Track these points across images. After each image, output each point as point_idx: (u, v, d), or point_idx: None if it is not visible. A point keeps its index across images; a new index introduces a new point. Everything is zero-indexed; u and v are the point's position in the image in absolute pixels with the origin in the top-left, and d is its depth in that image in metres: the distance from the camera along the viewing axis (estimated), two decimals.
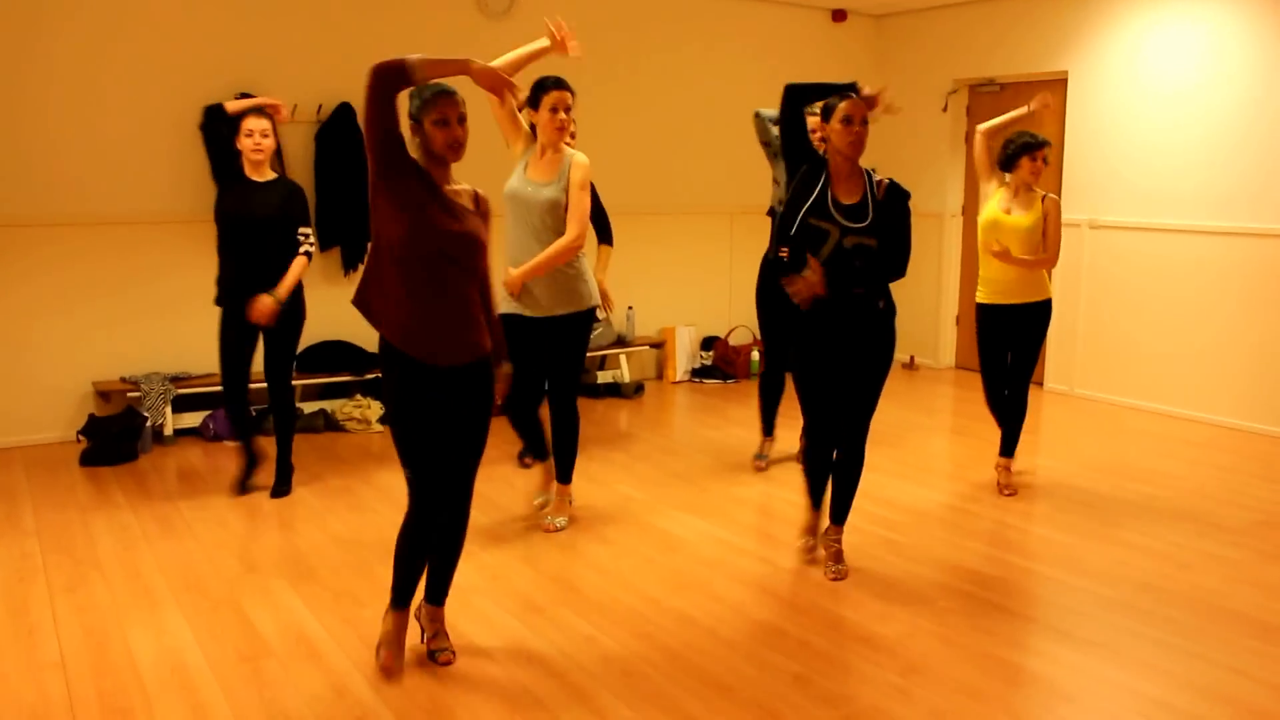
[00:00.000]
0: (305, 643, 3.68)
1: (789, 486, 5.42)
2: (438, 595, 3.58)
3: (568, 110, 4.49)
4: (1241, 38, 6.66)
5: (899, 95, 8.94)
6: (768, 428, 5.88)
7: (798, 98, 4.05)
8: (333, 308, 6.30)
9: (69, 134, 6.16)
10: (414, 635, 3.58)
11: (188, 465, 5.86)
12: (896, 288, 4.25)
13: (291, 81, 6.67)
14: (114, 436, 5.96)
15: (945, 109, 8.61)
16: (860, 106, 3.99)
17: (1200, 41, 6.87)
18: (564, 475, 4.89)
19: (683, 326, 8.28)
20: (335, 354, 6.80)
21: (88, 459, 5.86)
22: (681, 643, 3.70)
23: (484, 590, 4.15)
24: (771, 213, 5.49)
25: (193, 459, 5.98)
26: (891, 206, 4.06)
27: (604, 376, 7.91)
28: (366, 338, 6.84)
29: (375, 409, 6.72)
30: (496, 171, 4.82)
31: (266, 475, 5.40)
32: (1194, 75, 6.92)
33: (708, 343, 8.51)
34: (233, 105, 5.05)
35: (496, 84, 3.29)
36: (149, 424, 6.14)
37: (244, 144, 4.96)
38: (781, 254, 4.03)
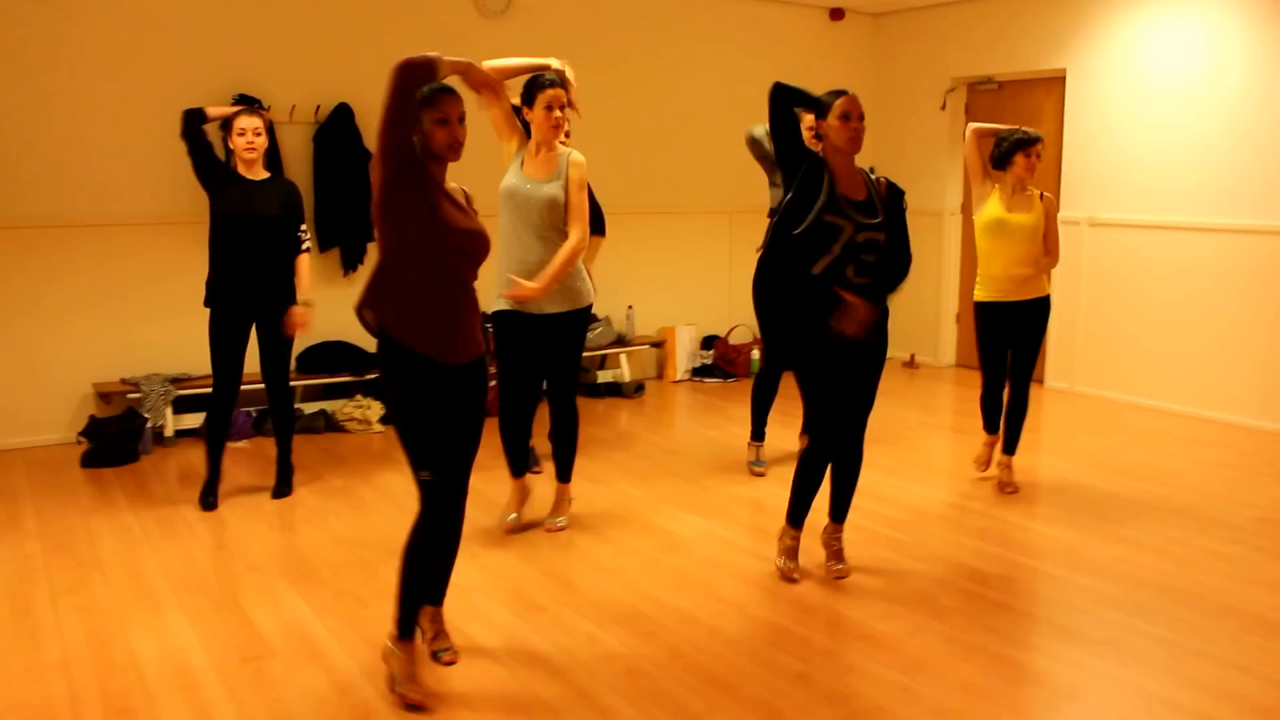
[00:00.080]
0: (308, 643, 3.68)
1: (790, 485, 5.41)
2: (437, 595, 3.57)
3: (563, 108, 4.48)
4: (1240, 34, 6.66)
5: (897, 93, 8.99)
6: (759, 431, 5.80)
7: (787, 97, 4.01)
8: (332, 309, 6.29)
9: (69, 137, 6.15)
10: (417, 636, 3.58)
11: (188, 466, 5.85)
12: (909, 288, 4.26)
13: (290, 82, 6.67)
14: (115, 438, 5.96)
15: (944, 107, 8.61)
16: (857, 102, 3.99)
17: (1199, 38, 6.87)
18: (564, 474, 4.89)
19: (683, 325, 8.28)
20: (335, 354, 6.80)
21: (89, 460, 5.86)
22: (683, 641, 3.70)
23: (485, 590, 4.15)
24: (774, 214, 5.46)
25: (193, 460, 5.97)
26: (894, 204, 4.08)
27: (604, 376, 7.92)
28: (367, 338, 6.83)
29: (376, 409, 6.72)
30: (481, 170, 4.80)
31: (262, 478, 5.40)
32: (1193, 72, 6.92)
33: (708, 342, 8.51)
34: (213, 110, 5.00)
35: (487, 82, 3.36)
36: (149, 425, 6.14)
37: (237, 143, 4.92)
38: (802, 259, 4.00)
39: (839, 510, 4.36)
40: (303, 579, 4.26)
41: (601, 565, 4.42)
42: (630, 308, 8.04)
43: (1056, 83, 7.83)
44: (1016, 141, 5.07)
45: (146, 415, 6.14)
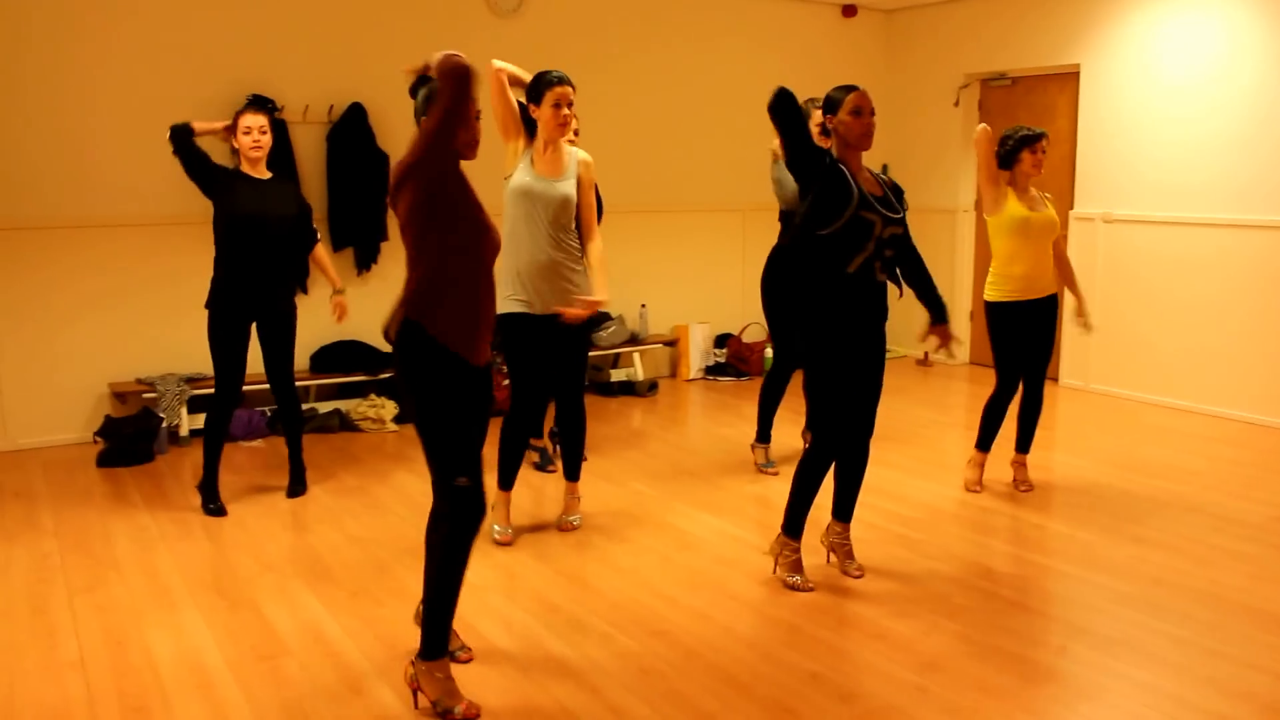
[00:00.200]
0: (323, 642, 3.70)
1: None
2: None
3: (570, 106, 4.46)
4: (1255, 29, 6.62)
5: (909, 90, 8.97)
6: (764, 432, 5.77)
7: (793, 100, 3.96)
8: (348, 307, 6.30)
9: (84, 138, 6.19)
10: (409, 637, 3.56)
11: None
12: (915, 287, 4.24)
13: (303, 82, 6.69)
14: (130, 437, 5.99)
15: (957, 104, 8.59)
16: (868, 97, 3.97)
17: (1213, 33, 6.84)
18: (573, 473, 4.89)
19: (696, 324, 8.28)
20: (349, 354, 6.82)
21: (105, 460, 5.89)
22: (697, 640, 3.70)
23: (500, 589, 4.16)
24: (785, 216, 5.43)
25: None
26: (901, 199, 4.08)
27: (618, 375, 7.92)
28: (381, 337, 6.85)
29: (390, 408, 6.73)
30: (478, 170, 4.80)
31: (276, 478, 5.42)
32: (1207, 67, 6.88)
33: (721, 340, 8.51)
34: (200, 125, 4.91)
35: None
36: (165, 425, 6.16)
37: (242, 141, 4.89)
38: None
39: (847, 509, 4.32)
40: (317, 578, 4.28)
41: (615, 564, 4.43)
42: (643, 306, 8.04)
43: (1070, 78, 7.80)
44: (1021, 139, 5.04)
45: (162, 415, 6.17)
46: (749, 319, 8.55)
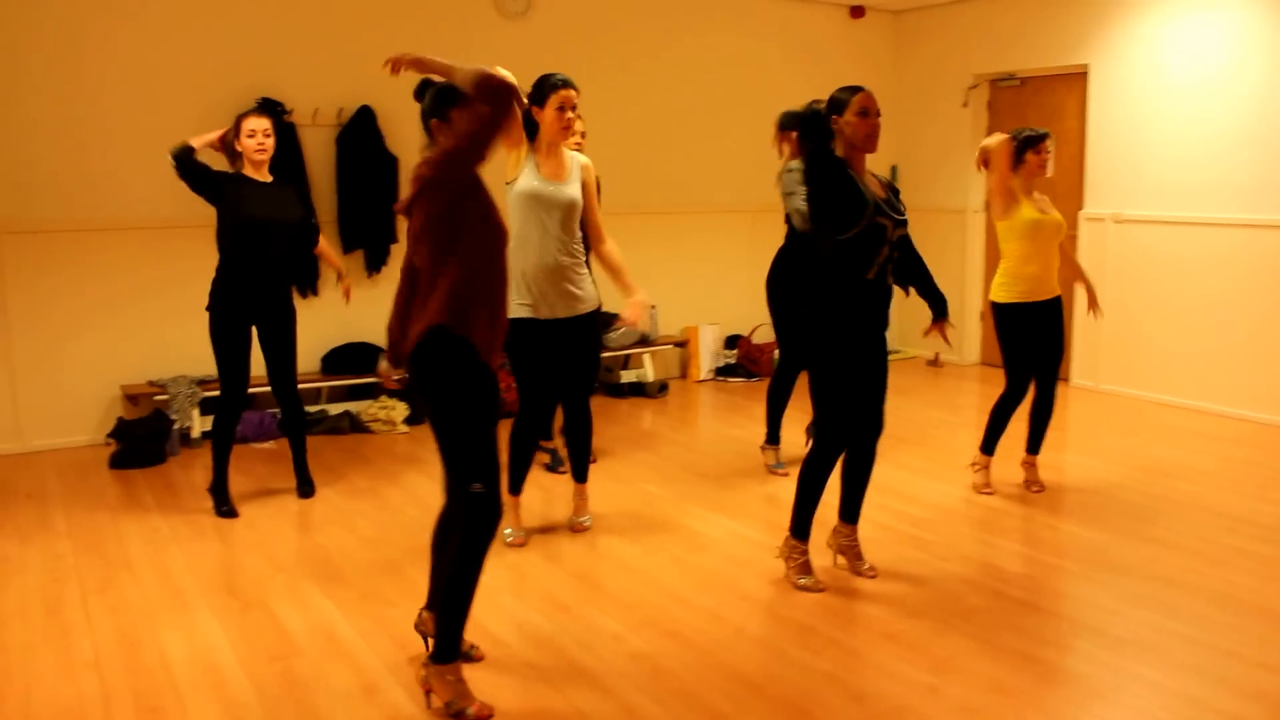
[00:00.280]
0: (335, 642, 3.70)
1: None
2: None
3: (574, 109, 4.45)
4: (1264, 28, 6.61)
5: (918, 91, 8.96)
6: (773, 434, 5.76)
7: (824, 121, 3.96)
8: (357, 310, 6.32)
9: (94, 142, 6.21)
10: (421, 642, 3.57)
11: None
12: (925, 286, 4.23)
13: (312, 85, 6.72)
14: (142, 439, 6.01)
15: (965, 104, 8.59)
16: (874, 98, 3.95)
17: (1222, 33, 6.82)
18: (581, 474, 4.88)
19: (706, 325, 8.28)
20: (360, 356, 6.83)
21: (117, 462, 5.92)
22: (710, 641, 3.70)
23: (510, 589, 4.16)
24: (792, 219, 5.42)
25: None
26: (898, 198, 4.08)
27: (628, 376, 7.92)
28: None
29: (400, 410, 6.74)
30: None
31: (288, 480, 5.43)
32: (1217, 67, 6.87)
33: (731, 341, 8.51)
34: (199, 140, 4.87)
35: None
36: (176, 427, 6.18)
37: (247, 144, 4.85)
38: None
39: (853, 510, 4.30)
40: (329, 579, 4.29)
41: (627, 565, 4.43)
42: (653, 307, 8.03)
43: (1079, 79, 7.79)
44: (1025, 139, 5.02)
45: (174, 417, 6.19)
46: (759, 320, 8.54)
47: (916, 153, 8.97)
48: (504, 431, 3.64)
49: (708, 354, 8.29)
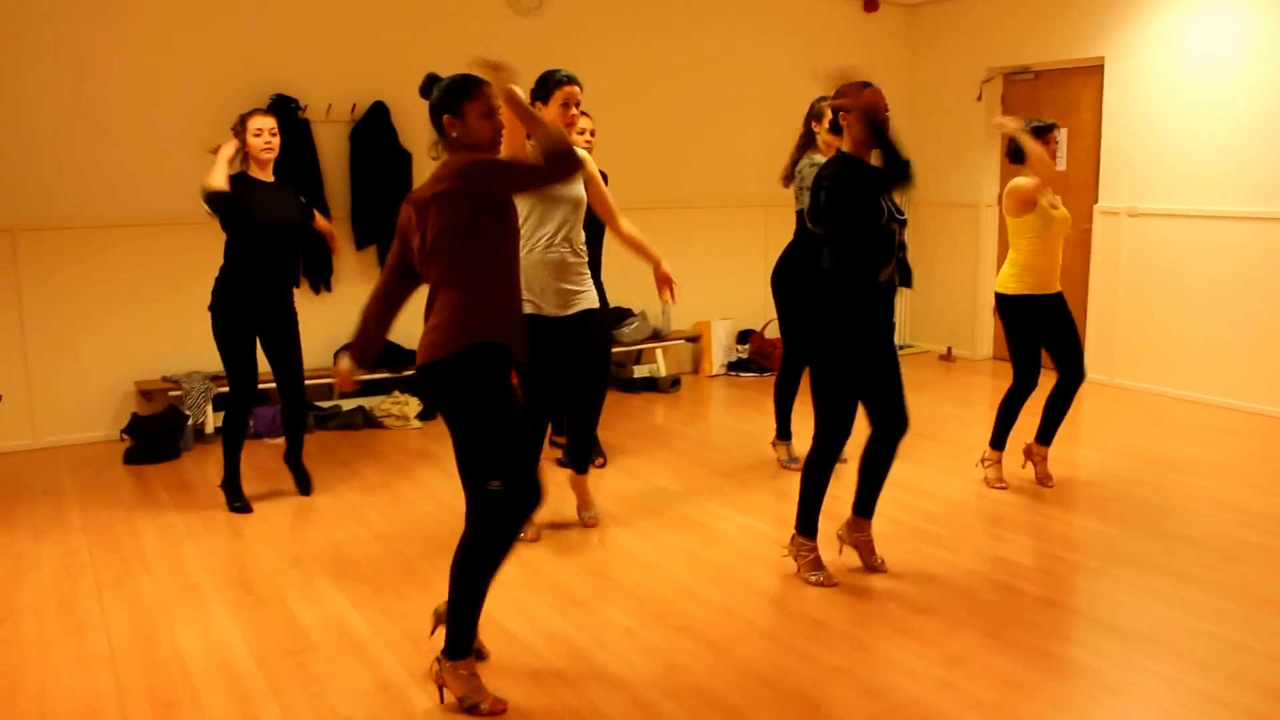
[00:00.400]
0: (349, 637, 3.72)
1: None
2: None
3: (578, 105, 4.43)
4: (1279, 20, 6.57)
5: (932, 84, 8.93)
6: (784, 429, 5.75)
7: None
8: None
9: (109, 138, 6.24)
10: (435, 636, 3.58)
11: None
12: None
13: (325, 81, 6.73)
14: (156, 435, 6.04)
15: (979, 98, 8.55)
16: (882, 94, 3.93)
17: (1238, 25, 6.78)
18: (582, 466, 4.88)
19: (718, 320, 8.28)
20: None
21: (131, 457, 5.95)
22: (722, 635, 3.70)
23: (523, 583, 4.17)
24: (802, 215, 5.40)
25: None
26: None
27: (640, 371, 7.93)
28: (406, 334, 6.87)
29: (413, 405, 6.76)
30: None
31: (281, 483, 5.45)
32: (1233, 59, 6.83)
33: (743, 336, 8.51)
34: (221, 176, 4.76)
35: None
36: (190, 422, 6.21)
37: (253, 143, 4.82)
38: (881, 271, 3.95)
39: (869, 506, 4.25)
40: (343, 574, 4.30)
41: (639, 559, 4.44)
42: (665, 302, 8.03)
43: (1094, 72, 7.75)
44: (1034, 130, 4.99)
45: (188, 412, 6.21)
46: (771, 315, 8.53)
47: (930, 147, 8.94)
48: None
49: (720, 349, 8.28)
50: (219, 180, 4.73)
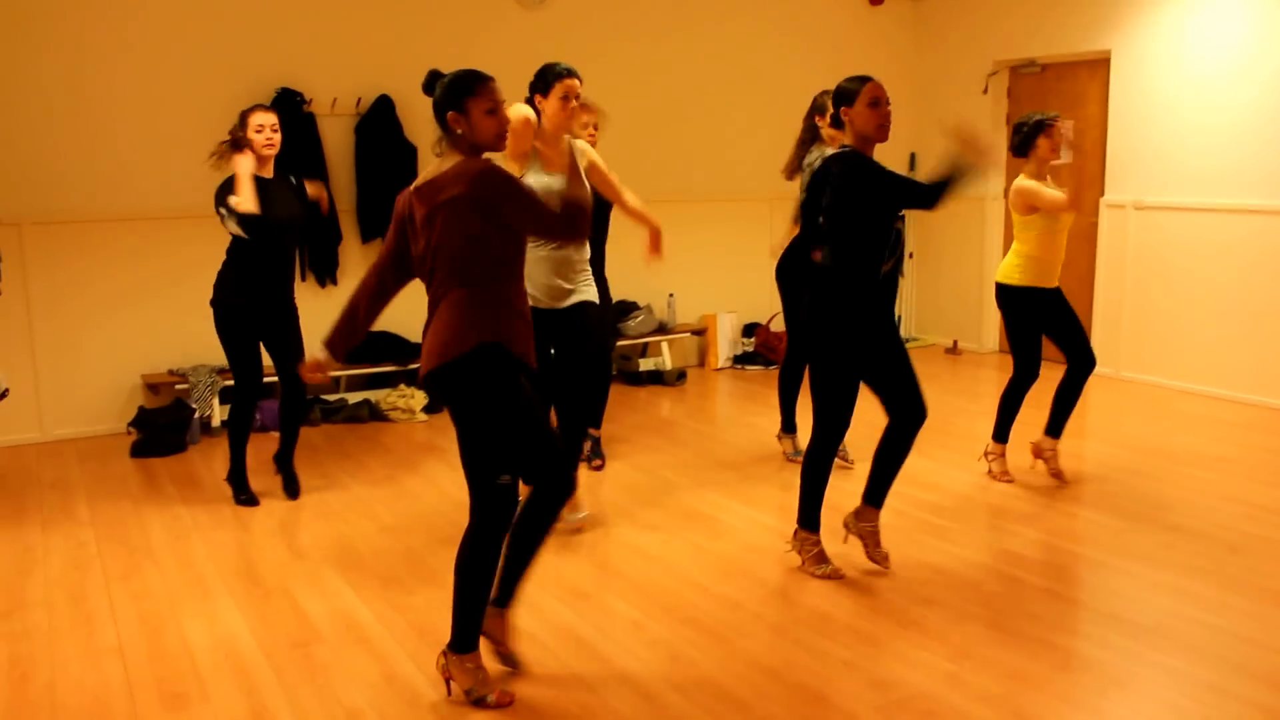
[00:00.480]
0: (355, 629, 3.73)
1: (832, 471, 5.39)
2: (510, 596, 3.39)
3: (578, 98, 4.42)
4: None
5: (937, 78, 8.91)
6: (789, 422, 5.73)
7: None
8: None
9: (116, 132, 6.25)
10: (441, 625, 3.58)
11: None
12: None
13: (331, 75, 6.73)
14: (163, 428, 6.06)
15: (985, 91, 8.53)
16: (883, 87, 3.91)
17: (1245, 18, 6.76)
18: (572, 465, 4.78)
19: (724, 313, 8.28)
20: (379, 344, 6.85)
21: (138, 450, 5.96)
22: (729, 628, 3.71)
23: (530, 576, 4.16)
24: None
25: None
26: None
27: (646, 364, 7.92)
28: (412, 328, 6.89)
29: (419, 398, 6.77)
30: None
31: (306, 467, 5.46)
32: (1240, 52, 6.81)
33: (749, 329, 8.50)
34: (248, 195, 4.70)
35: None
36: (197, 416, 6.23)
37: (255, 139, 4.78)
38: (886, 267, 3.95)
39: (880, 495, 4.20)
40: (349, 567, 4.31)
41: (645, 552, 4.44)
42: (671, 295, 8.04)
43: (1101, 65, 7.73)
44: (1037, 124, 4.96)
45: (194, 406, 6.23)
46: (777, 308, 8.51)
47: (935, 140, 8.91)
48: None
49: (725, 342, 8.28)
50: (252, 203, 4.69)
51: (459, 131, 3.08)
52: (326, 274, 6.83)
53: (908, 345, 4.19)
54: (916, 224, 8.76)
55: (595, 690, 3.28)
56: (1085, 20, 7.73)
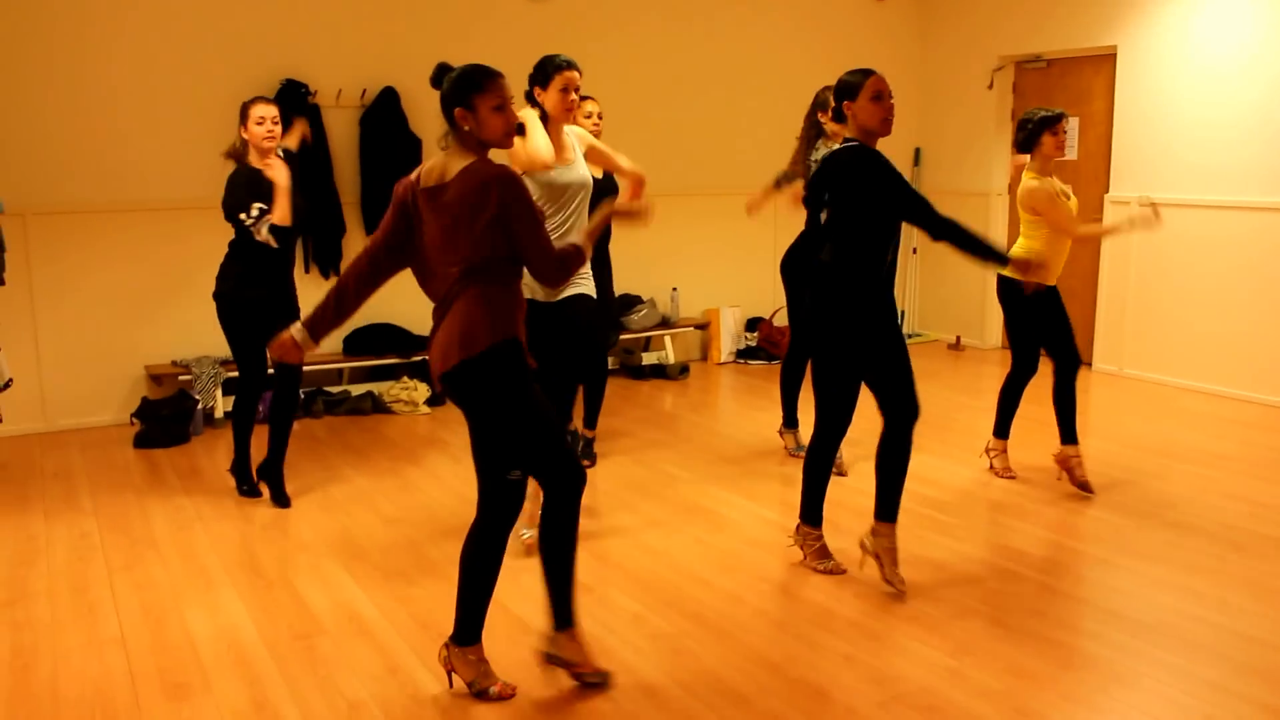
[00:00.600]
0: (357, 621, 3.73)
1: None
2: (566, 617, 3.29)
3: (578, 90, 4.41)
4: None
5: (943, 73, 8.90)
6: (790, 418, 5.72)
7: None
8: (380, 291, 6.32)
9: (120, 123, 6.25)
10: (443, 617, 3.58)
11: None
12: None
13: (335, 66, 6.72)
14: (166, 419, 6.06)
15: (991, 86, 8.51)
16: (886, 80, 3.89)
17: (1252, 14, 6.74)
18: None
19: (727, 307, 8.27)
20: (382, 336, 6.86)
21: (141, 441, 5.97)
22: (730, 622, 3.71)
23: (531, 569, 4.14)
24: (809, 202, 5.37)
25: None
26: None
27: (649, 358, 7.93)
28: (415, 320, 6.90)
29: (422, 391, 6.77)
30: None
31: (308, 459, 5.46)
32: (1246, 49, 6.79)
33: (752, 324, 8.50)
34: (284, 216, 4.74)
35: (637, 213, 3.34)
36: (200, 407, 6.23)
37: (256, 132, 4.75)
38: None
39: (891, 507, 4.02)
40: (352, 558, 4.32)
41: (647, 546, 4.44)
42: (675, 290, 8.04)
43: (1107, 60, 7.71)
44: (1041, 120, 4.92)
45: (197, 397, 6.23)
46: (780, 302, 8.51)
47: (940, 136, 8.92)
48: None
49: (729, 336, 8.28)
50: (288, 217, 4.74)
51: (466, 128, 3.03)
52: (330, 266, 6.82)
53: (910, 341, 4.16)
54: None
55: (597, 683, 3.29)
56: (1091, 16, 7.71)
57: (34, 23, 5.97)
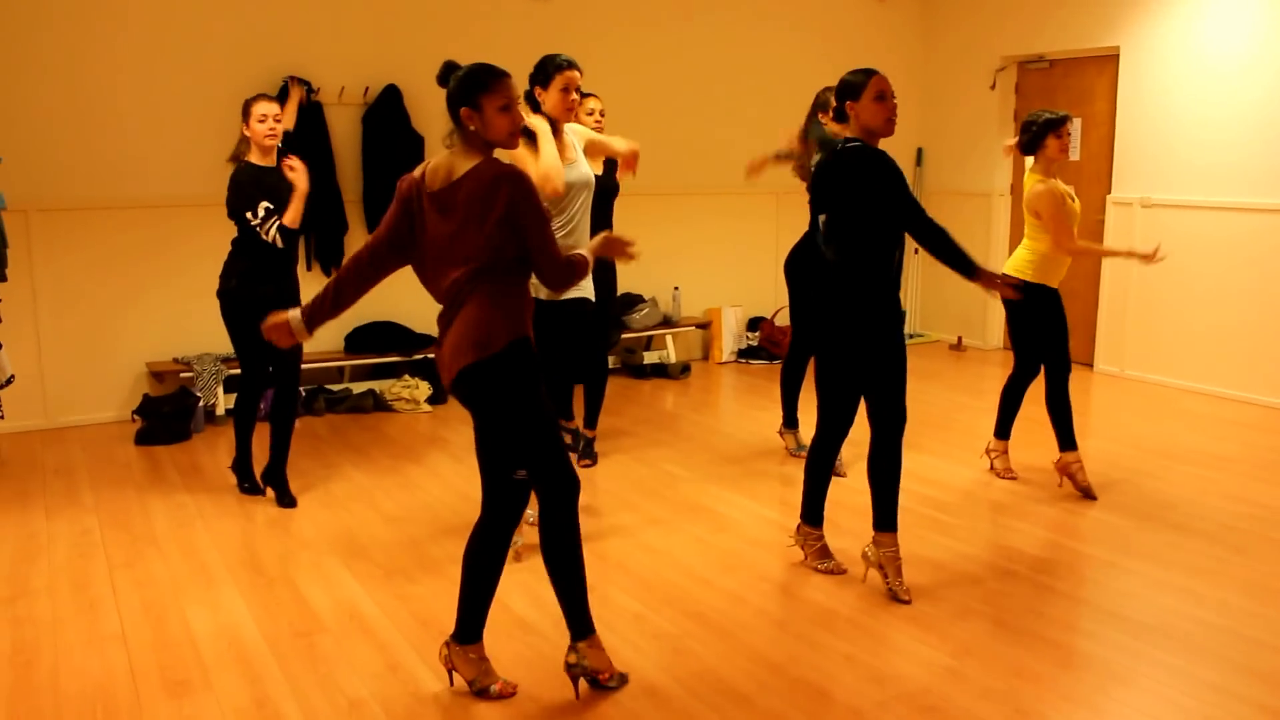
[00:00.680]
0: (358, 618, 3.73)
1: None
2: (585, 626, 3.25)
3: (579, 90, 4.40)
4: None
5: (946, 73, 8.89)
6: (791, 418, 5.71)
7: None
8: (382, 289, 6.30)
9: (123, 121, 6.25)
10: (444, 615, 3.58)
11: None
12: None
13: (338, 64, 6.72)
14: (168, 416, 6.06)
15: (993, 86, 8.51)
16: (888, 80, 3.87)
17: (1254, 15, 6.73)
18: None
19: (728, 307, 8.27)
20: (384, 335, 6.86)
21: (143, 438, 5.97)
22: (731, 621, 3.71)
23: (531, 568, 4.17)
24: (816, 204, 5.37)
25: None
26: None
27: (650, 357, 7.93)
28: (417, 318, 6.90)
29: (424, 389, 6.77)
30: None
31: (309, 457, 5.46)
32: (1248, 49, 6.79)
33: (754, 323, 8.50)
34: (296, 220, 4.75)
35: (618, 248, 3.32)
36: (201, 404, 6.23)
37: (257, 129, 4.74)
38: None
39: (889, 516, 3.98)
40: (353, 556, 4.32)
41: (648, 545, 4.44)
42: (676, 289, 8.04)
43: (1109, 61, 7.71)
44: (1046, 123, 4.90)
45: (199, 394, 6.24)
46: (782, 302, 8.52)
47: (943, 136, 8.91)
48: None
49: (730, 336, 8.28)
50: (299, 220, 4.76)
51: (472, 128, 3.01)
52: (332, 263, 6.83)
53: (911, 342, 4.16)
54: None
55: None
56: (1094, 16, 7.70)
57: (36, 20, 5.97)
